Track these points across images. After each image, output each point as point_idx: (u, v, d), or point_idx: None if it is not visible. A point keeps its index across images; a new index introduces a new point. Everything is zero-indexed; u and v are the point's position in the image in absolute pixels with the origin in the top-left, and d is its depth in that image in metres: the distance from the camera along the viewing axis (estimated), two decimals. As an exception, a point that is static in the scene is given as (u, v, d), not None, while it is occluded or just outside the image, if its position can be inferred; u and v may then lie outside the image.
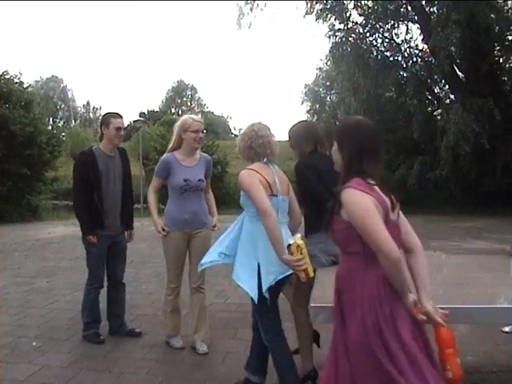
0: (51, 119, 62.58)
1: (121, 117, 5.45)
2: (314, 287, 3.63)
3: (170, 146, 5.10)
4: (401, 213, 2.88)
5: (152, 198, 5.10)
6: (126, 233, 5.62)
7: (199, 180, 5.01)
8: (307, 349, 4.28)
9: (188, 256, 5.15)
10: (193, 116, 5.13)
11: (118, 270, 5.56)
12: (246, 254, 3.84)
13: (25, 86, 24.28)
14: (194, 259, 5.08)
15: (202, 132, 5.04)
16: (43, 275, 8.90)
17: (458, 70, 22.07)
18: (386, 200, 2.73)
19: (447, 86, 23.74)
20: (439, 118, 22.08)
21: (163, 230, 4.96)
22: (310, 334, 4.33)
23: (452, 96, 23.14)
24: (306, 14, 23.30)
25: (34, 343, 5.33)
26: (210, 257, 4.06)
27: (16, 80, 23.29)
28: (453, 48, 19.98)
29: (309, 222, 4.28)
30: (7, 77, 23.02)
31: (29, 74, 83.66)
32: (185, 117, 5.13)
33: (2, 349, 5.17)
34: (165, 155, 5.11)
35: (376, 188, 2.73)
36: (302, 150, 4.42)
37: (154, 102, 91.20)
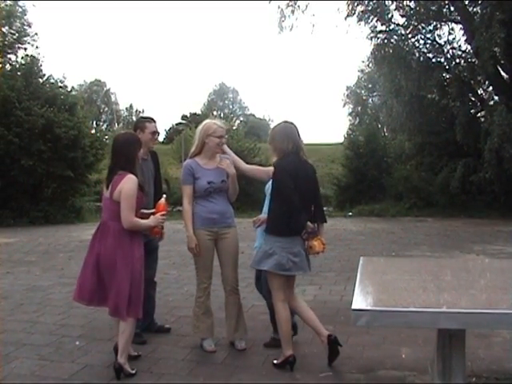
0: (95, 122, 63.35)
1: (155, 121, 5.59)
2: (355, 291, 3.62)
3: (193, 150, 5.19)
4: None
5: (188, 209, 5.06)
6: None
7: (222, 181, 5.09)
8: (287, 338, 4.65)
9: (218, 258, 5.19)
10: (216, 121, 5.19)
11: (150, 269, 5.60)
12: None
13: (69, 89, 24.71)
14: (224, 260, 5.16)
15: (225, 137, 5.12)
16: (86, 276, 8.99)
17: (502, 71, 21.62)
18: None
19: (491, 88, 23.28)
20: (483, 119, 21.69)
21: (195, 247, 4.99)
22: (290, 325, 4.74)
23: (496, 97, 22.69)
24: (348, 15, 23.08)
25: (78, 343, 5.42)
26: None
27: (60, 84, 23.69)
28: (497, 48, 19.61)
29: (273, 222, 4.60)
30: (52, 81, 23.44)
31: (73, 78, 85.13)
32: (208, 122, 5.19)
33: (46, 347, 5.28)
34: (186, 161, 5.22)
35: None
36: (277, 148, 4.69)
37: (196, 105, 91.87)
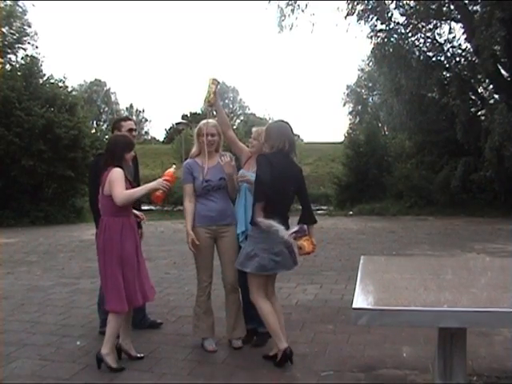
0: (95, 122, 63.28)
1: (130, 119, 5.73)
2: (356, 290, 3.62)
3: (193, 151, 5.25)
4: None
5: (189, 207, 5.08)
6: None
7: (220, 179, 5.08)
8: (278, 332, 4.58)
9: (218, 257, 5.20)
10: (209, 120, 5.18)
11: None
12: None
13: (69, 89, 24.73)
14: (224, 259, 5.16)
15: (214, 136, 5.13)
16: (87, 276, 9.02)
17: (502, 70, 21.62)
18: None
19: (491, 86, 23.27)
20: (483, 118, 21.69)
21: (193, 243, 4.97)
22: (277, 319, 4.64)
23: (496, 96, 22.68)
24: (348, 14, 23.08)
25: (78, 342, 5.41)
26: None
27: (60, 84, 23.72)
28: (497, 47, 19.61)
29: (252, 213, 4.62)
30: (52, 81, 23.46)
31: (73, 78, 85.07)
32: (200, 123, 5.25)
33: (46, 347, 5.27)
34: (186, 161, 5.28)
35: None
36: (270, 144, 4.66)
37: (196, 105, 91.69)
